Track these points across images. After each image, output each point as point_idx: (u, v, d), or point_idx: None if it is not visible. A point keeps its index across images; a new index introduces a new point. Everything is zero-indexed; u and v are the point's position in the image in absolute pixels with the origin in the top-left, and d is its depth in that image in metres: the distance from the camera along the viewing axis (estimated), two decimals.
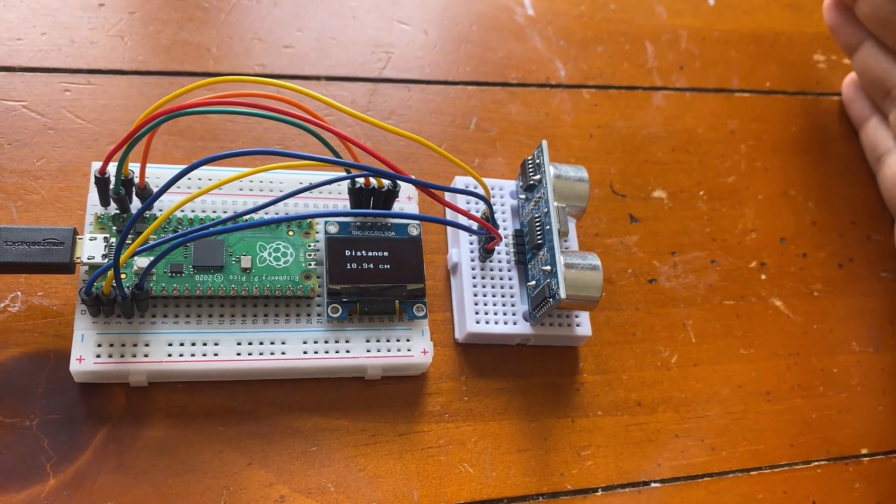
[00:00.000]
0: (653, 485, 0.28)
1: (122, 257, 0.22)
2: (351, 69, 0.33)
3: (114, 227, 0.25)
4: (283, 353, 0.25)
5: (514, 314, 0.28)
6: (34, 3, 0.30)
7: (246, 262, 0.25)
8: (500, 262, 0.29)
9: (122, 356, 0.24)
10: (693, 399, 0.30)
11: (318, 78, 0.32)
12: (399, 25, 0.34)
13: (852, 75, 0.38)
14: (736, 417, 0.30)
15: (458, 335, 0.28)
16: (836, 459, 0.30)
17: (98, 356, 0.24)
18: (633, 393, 0.30)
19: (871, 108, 0.37)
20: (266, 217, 0.26)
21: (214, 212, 0.27)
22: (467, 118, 0.33)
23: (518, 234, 0.29)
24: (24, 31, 0.29)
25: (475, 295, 0.28)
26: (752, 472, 0.30)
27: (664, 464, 0.29)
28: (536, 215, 0.28)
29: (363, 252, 0.26)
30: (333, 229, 0.27)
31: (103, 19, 0.30)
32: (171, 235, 0.22)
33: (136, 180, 0.25)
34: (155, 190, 0.25)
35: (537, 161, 0.29)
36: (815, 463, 0.31)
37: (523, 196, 0.30)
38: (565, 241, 0.30)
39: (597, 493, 0.28)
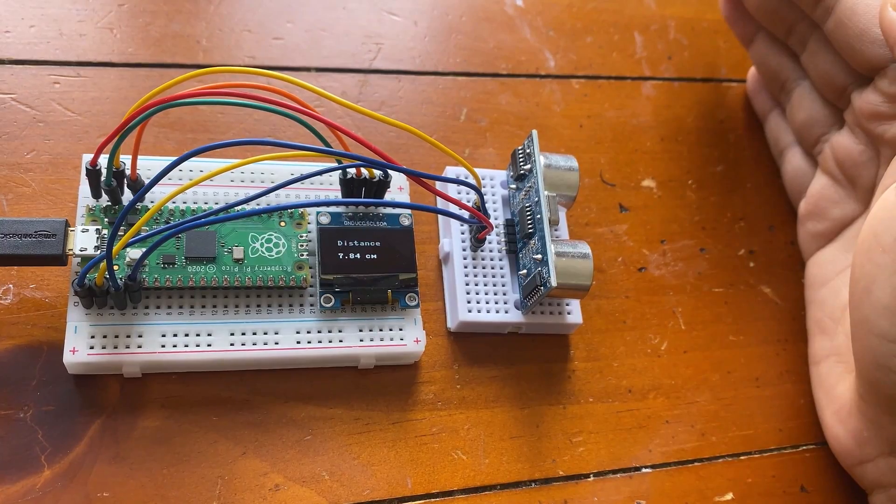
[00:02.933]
0: (644, 470, 0.29)
1: (115, 249, 0.22)
2: (341, 60, 0.33)
3: (105, 219, 0.25)
4: (277, 344, 0.25)
5: (505, 303, 0.28)
6: None
7: (238, 252, 0.25)
8: (491, 251, 0.29)
9: (116, 347, 0.24)
10: (683, 385, 0.31)
11: (308, 69, 0.32)
12: (389, 16, 0.34)
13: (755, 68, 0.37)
14: (726, 403, 0.31)
15: (451, 324, 0.28)
16: (824, 444, 0.31)
17: (91, 347, 0.24)
18: (623, 380, 0.30)
19: (772, 102, 0.36)
20: (258, 207, 0.26)
21: (206, 203, 0.27)
22: (458, 109, 0.33)
23: (509, 224, 0.29)
24: (12, 23, 0.29)
25: (467, 284, 0.28)
26: (741, 457, 0.30)
27: (655, 449, 0.29)
28: (527, 204, 0.28)
29: (355, 242, 0.26)
30: (325, 220, 0.27)
31: (92, 11, 0.30)
32: (163, 226, 0.22)
33: (128, 172, 0.25)
34: (146, 181, 0.25)
35: (528, 151, 0.29)
36: (804, 447, 0.31)
37: (514, 186, 0.30)
38: (556, 230, 0.30)
39: (588, 479, 0.28)
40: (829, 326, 0.31)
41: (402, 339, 0.27)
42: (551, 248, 0.27)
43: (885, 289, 0.24)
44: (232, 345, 0.25)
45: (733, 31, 0.35)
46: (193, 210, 0.26)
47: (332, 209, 0.27)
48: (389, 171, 0.27)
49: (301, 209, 0.27)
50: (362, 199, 0.27)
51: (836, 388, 0.29)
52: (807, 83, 0.33)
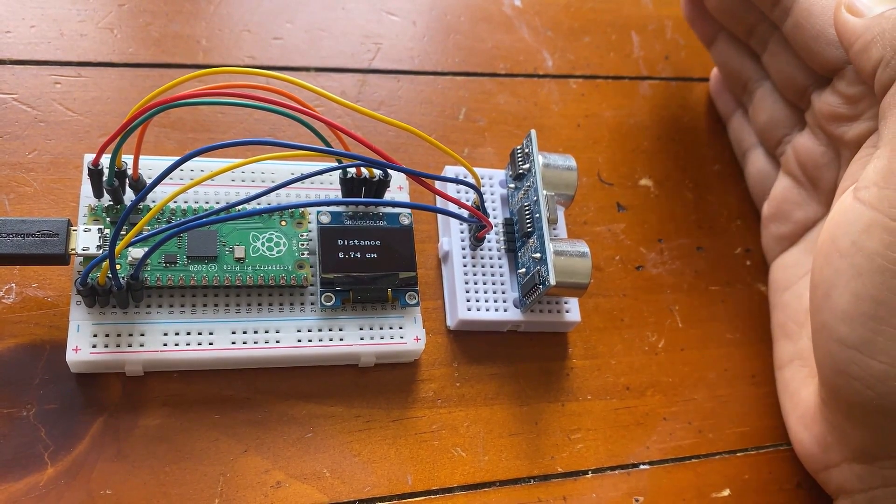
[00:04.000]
0: (641, 467, 0.29)
1: (118, 248, 0.22)
2: (341, 60, 0.33)
3: (107, 219, 0.25)
4: (278, 342, 0.26)
5: (504, 301, 0.29)
6: None
7: (239, 252, 0.26)
8: (490, 250, 0.29)
9: (118, 346, 0.24)
10: (680, 383, 0.31)
11: (307, 69, 0.32)
12: (388, 17, 0.35)
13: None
14: (722, 400, 0.31)
15: (450, 322, 0.29)
16: None
17: (94, 346, 0.24)
18: (621, 377, 0.30)
19: (735, 102, 0.35)
20: (259, 207, 0.27)
21: (207, 202, 0.27)
22: (456, 108, 0.33)
23: (508, 223, 0.30)
24: (13, 23, 0.29)
25: (466, 283, 0.28)
26: (738, 454, 0.30)
27: (652, 446, 0.29)
28: (526, 204, 0.29)
29: (355, 241, 0.27)
30: (326, 219, 0.27)
31: (92, 11, 0.30)
32: (165, 226, 0.23)
33: (130, 172, 0.25)
34: (148, 181, 0.25)
35: (526, 150, 0.29)
36: None
37: (513, 185, 0.30)
38: (554, 228, 0.30)
39: (587, 476, 0.28)
40: (793, 330, 0.30)
41: (402, 338, 0.27)
42: (550, 247, 0.27)
43: (844, 294, 0.24)
44: (233, 343, 0.25)
45: (695, 31, 0.35)
46: (195, 210, 0.26)
47: (333, 208, 0.27)
48: (389, 171, 0.27)
49: (301, 208, 0.27)
50: (362, 199, 0.27)
51: (801, 392, 0.29)
52: (768, 84, 0.33)
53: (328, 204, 0.25)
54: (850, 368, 0.24)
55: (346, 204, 0.27)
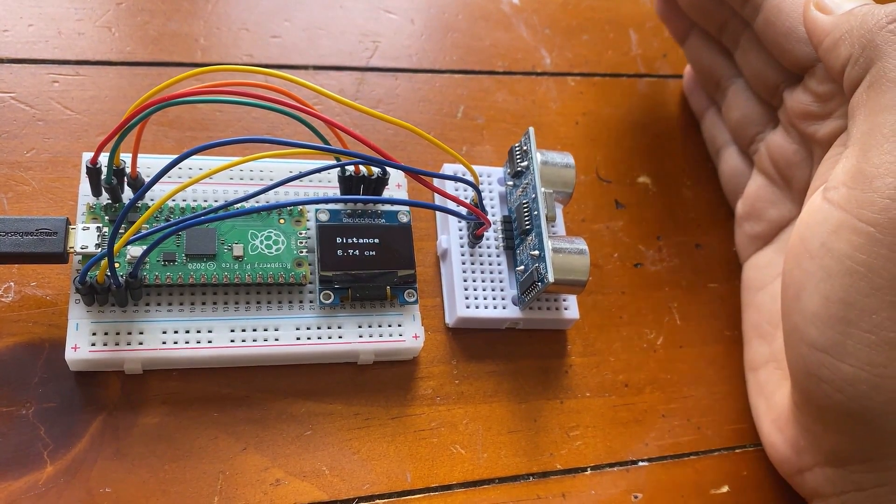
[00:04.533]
0: (640, 463, 0.29)
1: (116, 246, 0.22)
2: (338, 58, 0.33)
3: (106, 217, 0.25)
4: (277, 340, 0.26)
5: (503, 299, 0.29)
6: None
7: (238, 250, 0.26)
8: (489, 247, 0.29)
9: (117, 344, 0.24)
10: (679, 380, 0.31)
11: (305, 67, 0.32)
12: (386, 14, 0.35)
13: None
14: (721, 397, 0.31)
15: (449, 320, 0.29)
16: None
17: (93, 344, 0.24)
18: (620, 374, 0.30)
19: (708, 100, 0.35)
20: (257, 205, 0.27)
21: (206, 201, 0.27)
22: (454, 106, 0.33)
23: (506, 220, 0.30)
24: (10, 22, 0.29)
25: (465, 280, 0.28)
26: (736, 450, 0.30)
27: (651, 443, 0.29)
28: (524, 201, 0.29)
29: (354, 239, 0.27)
30: (324, 217, 0.27)
31: (90, 10, 0.30)
32: (163, 224, 0.23)
33: (128, 170, 0.25)
34: (146, 180, 0.25)
35: (524, 148, 0.29)
36: None
37: (511, 183, 0.30)
38: (553, 226, 0.30)
39: (585, 473, 0.28)
40: (767, 331, 0.30)
41: (400, 335, 0.27)
42: (548, 245, 0.27)
43: (814, 296, 0.24)
44: (232, 341, 0.25)
45: (667, 27, 0.34)
46: (193, 208, 0.26)
47: (331, 206, 0.27)
48: (388, 169, 0.27)
49: (300, 206, 0.27)
50: (360, 197, 0.27)
51: (775, 395, 0.29)
52: (741, 81, 0.32)
53: (327, 202, 0.25)
54: (821, 372, 0.24)
55: (345, 201, 0.27)
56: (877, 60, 0.24)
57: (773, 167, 0.31)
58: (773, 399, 0.29)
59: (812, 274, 0.24)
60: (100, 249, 0.24)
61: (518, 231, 0.29)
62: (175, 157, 0.22)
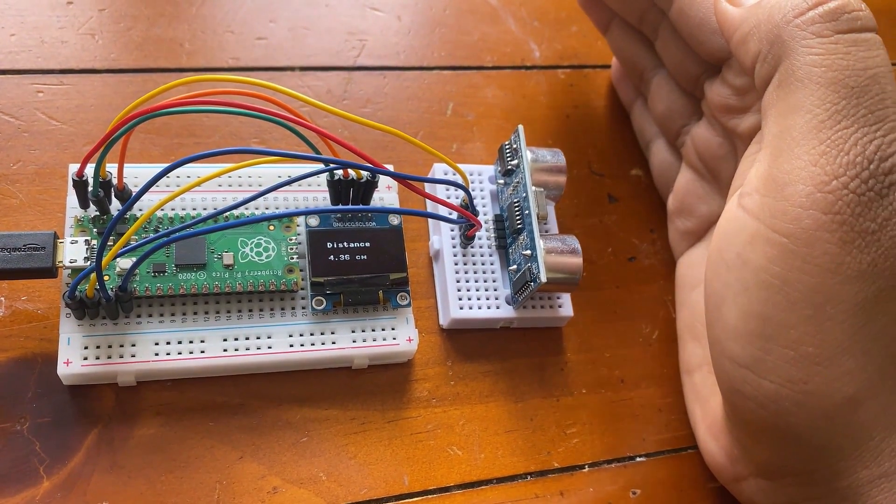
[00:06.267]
0: (638, 459, 0.29)
1: (105, 260, 0.22)
2: (325, 58, 0.33)
3: (94, 230, 0.25)
4: (270, 347, 0.26)
5: (496, 298, 0.28)
6: (1, 4, 0.30)
7: (228, 258, 0.25)
8: (481, 247, 0.29)
9: (110, 357, 0.24)
10: (675, 374, 0.31)
11: (292, 69, 0.32)
12: (372, 12, 0.34)
13: None
14: None
15: (443, 321, 0.29)
16: None
17: (85, 358, 0.24)
18: (616, 370, 0.30)
19: (636, 91, 0.34)
20: (247, 216, 0.27)
21: (195, 209, 0.27)
22: (444, 104, 0.33)
23: (498, 219, 0.30)
24: None
25: (458, 281, 0.28)
26: None
27: (648, 438, 0.29)
28: (515, 200, 0.28)
29: (345, 244, 0.27)
30: (314, 222, 0.27)
31: (73, 17, 0.30)
32: (152, 236, 0.22)
33: (115, 181, 0.25)
34: (134, 190, 0.25)
35: (514, 146, 0.29)
36: None
37: (502, 181, 0.30)
38: (545, 223, 0.30)
39: (583, 470, 0.28)
40: (700, 333, 0.29)
41: (394, 339, 0.27)
42: (540, 244, 0.27)
43: (732, 310, 0.23)
44: (225, 350, 0.25)
45: (589, 16, 0.33)
46: (182, 217, 0.26)
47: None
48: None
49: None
50: (350, 207, 0.27)
51: (710, 401, 0.28)
52: (664, 72, 0.31)
53: (316, 212, 0.25)
54: (744, 388, 0.23)
55: (334, 211, 0.26)
56: (784, 58, 0.22)
57: (700, 161, 0.30)
58: (707, 405, 0.28)
59: (730, 286, 0.23)
60: (89, 263, 0.24)
61: (510, 230, 0.29)
62: (163, 167, 0.22)
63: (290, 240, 0.26)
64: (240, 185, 0.28)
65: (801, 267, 0.21)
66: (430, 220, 0.30)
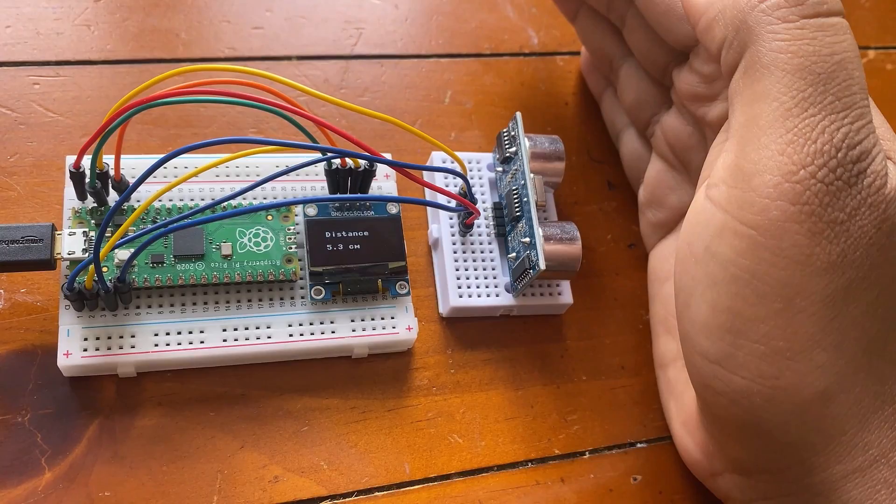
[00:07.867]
0: (639, 445, 0.29)
1: (102, 251, 0.22)
2: (322, 48, 0.32)
3: (92, 221, 0.25)
4: (270, 337, 0.26)
5: (496, 286, 0.28)
6: None
7: (226, 248, 0.25)
8: (480, 235, 0.29)
9: (109, 349, 0.24)
10: None
11: (289, 58, 0.32)
12: (369, 0, 0.34)
13: None
14: None
15: (442, 309, 0.29)
16: None
17: (85, 350, 0.24)
18: (616, 357, 0.30)
19: (605, 81, 0.33)
20: (245, 205, 0.27)
21: (192, 199, 0.27)
22: (442, 92, 0.33)
23: (497, 207, 0.30)
24: None
25: (457, 269, 0.28)
26: None
27: (649, 424, 0.29)
28: (514, 188, 0.28)
29: (343, 233, 0.27)
30: (312, 212, 0.27)
31: (68, 9, 0.30)
32: (150, 227, 0.22)
33: (112, 173, 0.25)
34: (131, 181, 0.25)
35: (512, 133, 0.29)
36: None
37: (500, 168, 0.30)
38: (543, 211, 0.30)
39: (584, 456, 0.28)
40: (674, 326, 0.28)
41: (394, 328, 0.27)
42: (539, 231, 0.27)
43: (702, 305, 0.22)
44: (225, 341, 0.25)
45: (556, 5, 0.32)
46: (180, 208, 0.26)
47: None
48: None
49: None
50: (348, 196, 0.26)
51: (684, 395, 0.27)
52: (633, 61, 0.30)
53: (314, 201, 0.25)
54: (715, 384, 0.23)
55: (333, 200, 0.26)
56: (750, 44, 0.22)
57: (671, 151, 0.29)
58: (682, 399, 0.28)
59: (699, 280, 0.22)
60: (87, 254, 0.24)
61: (509, 218, 0.29)
62: (159, 157, 0.22)
63: (289, 229, 0.26)
64: (237, 175, 0.28)
65: (770, 259, 0.21)
66: (428, 208, 0.30)
